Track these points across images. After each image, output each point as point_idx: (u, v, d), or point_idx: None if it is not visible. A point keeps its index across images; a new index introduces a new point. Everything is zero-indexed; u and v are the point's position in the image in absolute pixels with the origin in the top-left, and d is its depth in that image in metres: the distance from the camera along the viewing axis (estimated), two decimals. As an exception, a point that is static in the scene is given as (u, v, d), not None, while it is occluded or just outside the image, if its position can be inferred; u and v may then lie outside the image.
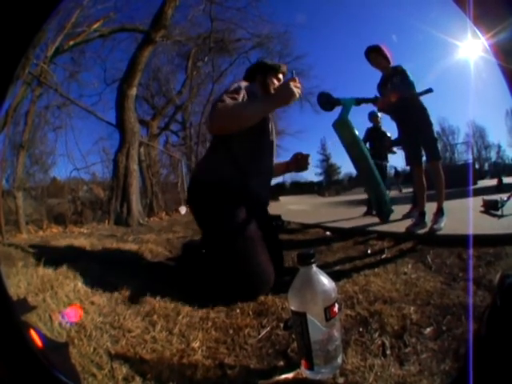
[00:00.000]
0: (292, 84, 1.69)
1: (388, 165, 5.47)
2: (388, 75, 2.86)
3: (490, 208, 3.33)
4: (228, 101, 1.66)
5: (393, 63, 2.90)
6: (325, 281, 0.85)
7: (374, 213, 4.92)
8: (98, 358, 0.97)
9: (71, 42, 7.79)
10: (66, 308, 1.39)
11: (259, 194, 1.90)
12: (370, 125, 5.47)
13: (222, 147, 1.85)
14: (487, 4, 0.73)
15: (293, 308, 0.84)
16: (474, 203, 4.10)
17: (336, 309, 0.84)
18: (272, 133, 2.02)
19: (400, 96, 2.71)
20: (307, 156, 2.11)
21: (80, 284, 1.56)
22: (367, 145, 5.22)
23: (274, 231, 2.01)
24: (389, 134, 5.27)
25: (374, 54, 2.90)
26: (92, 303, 1.39)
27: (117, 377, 0.88)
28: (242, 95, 1.76)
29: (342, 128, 1.94)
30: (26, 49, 0.73)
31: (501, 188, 4.93)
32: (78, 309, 1.45)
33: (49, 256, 2.18)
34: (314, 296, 0.82)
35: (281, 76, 2.11)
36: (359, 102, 2.48)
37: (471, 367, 0.73)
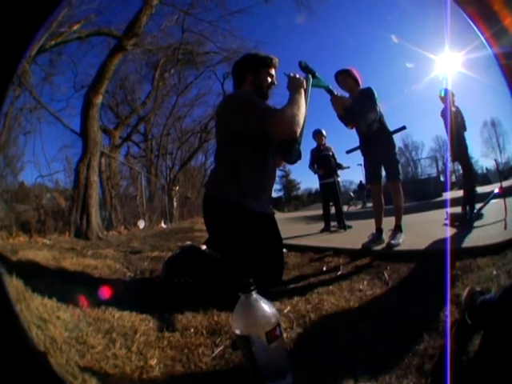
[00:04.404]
0: (294, 75, 2.04)
1: (340, 180, 5.58)
2: (354, 97, 2.92)
3: (457, 221, 3.39)
4: (280, 109, 1.90)
5: (362, 86, 2.98)
6: (265, 307, 0.92)
7: (328, 230, 5.03)
8: (71, 368, 1.00)
9: (53, 42, 7.67)
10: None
11: (264, 208, 2.08)
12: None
13: (230, 166, 1.99)
14: (488, 3, 0.77)
15: (237, 332, 0.91)
16: (436, 216, 4.27)
17: (278, 332, 0.91)
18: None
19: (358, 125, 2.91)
20: None
21: (46, 298, 1.58)
22: (315, 166, 5.38)
23: (278, 239, 2.11)
24: (331, 152, 5.39)
25: (343, 76, 2.97)
26: (58, 318, 1.42)
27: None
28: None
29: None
30: (25, 48, 0.75)
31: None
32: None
33: (19, 266, 2.20)
34: (255, 322, 0.89)
35: (273, 71, 2.16)
36: (330, 91, 2.60)
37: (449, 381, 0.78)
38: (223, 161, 2.07)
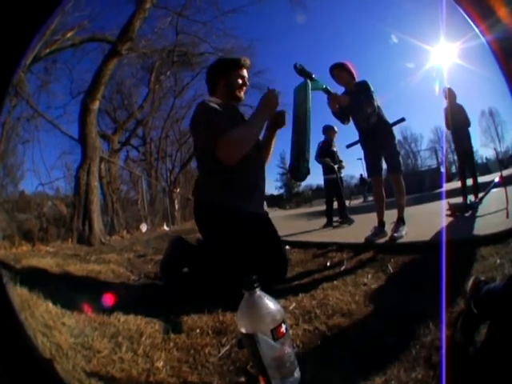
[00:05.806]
0: (272, 91, 1.92)
1: (342, 176, 5.63)
2: (350, 91, 2.91)
3: (458, 211, 3.40)
4: (229, 131, 1.77)
5: (357, 79, 2.96)
6: (269, 304, 0.91)
7: (330, 225, 5.02)
8: (77, 374, 1.01)
9: (47, 50, 7.66)
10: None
11: (256, 208, 2.02)
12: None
13: (211, 169, 1.94)
14: (487, 3, 0.77)
15: (242, 330, 0.90)
16: (437, 207, 4.25)
17: (283, 329, 0.90)
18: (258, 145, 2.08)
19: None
20: (283, 112, 2.08)
21: (51, 305, 1.58)
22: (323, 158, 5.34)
23: (275, 238, 2.09)
24: (335, 149, 5.41)
25: (338, 70, 2.96)
26: (63, 324, 1.42)
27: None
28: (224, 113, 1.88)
29: (302, 89, 2.05)
30: (20, 57, 0.76)
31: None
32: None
33: (22, 275, 2.20)
34: (259, 319, 0.89)
35: (245, 72, 2.09)
36: (328, 91, 2.56)
37: (444, 373, 0.78)
38: (203, 165, 2.04)
